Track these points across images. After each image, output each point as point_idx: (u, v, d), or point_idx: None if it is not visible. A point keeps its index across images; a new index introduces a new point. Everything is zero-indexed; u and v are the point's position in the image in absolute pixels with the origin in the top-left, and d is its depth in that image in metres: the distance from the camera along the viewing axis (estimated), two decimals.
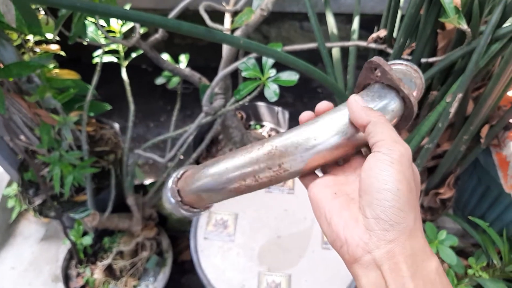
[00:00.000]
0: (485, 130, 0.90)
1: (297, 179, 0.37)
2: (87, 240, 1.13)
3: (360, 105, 0.31)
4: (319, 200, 0.32)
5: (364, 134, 0.31)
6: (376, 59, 0.35)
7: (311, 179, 0.34)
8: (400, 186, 0.26)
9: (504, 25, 0.75)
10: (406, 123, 0.37)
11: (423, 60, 0.83)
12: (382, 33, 0.85)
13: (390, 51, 0.85)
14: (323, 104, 0.36)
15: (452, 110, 0.77)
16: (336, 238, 0.28)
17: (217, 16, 0.90)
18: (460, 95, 0.76)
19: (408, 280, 0.25)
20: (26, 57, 0.98)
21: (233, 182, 0.34)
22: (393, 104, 0.35)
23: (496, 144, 0.95)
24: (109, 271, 1.13)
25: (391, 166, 0.27)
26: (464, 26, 0.71)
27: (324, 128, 0.33)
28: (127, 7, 1.01)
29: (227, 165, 0.35)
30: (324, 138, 0.32)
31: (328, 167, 0.36)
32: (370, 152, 0.30)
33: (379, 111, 0.32)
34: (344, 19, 1.67)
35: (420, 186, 0.31)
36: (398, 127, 0.37)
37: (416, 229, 0.27)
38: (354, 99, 0.32)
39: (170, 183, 0.40)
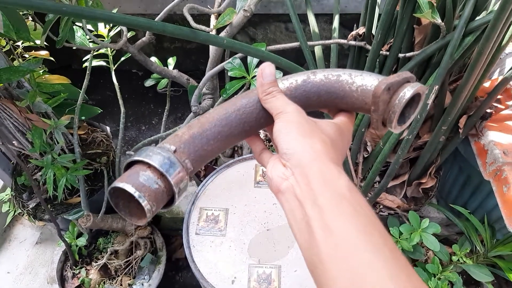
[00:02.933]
0: (463, 120, 0.94)
1: None
2: (82, 241, 1.14)
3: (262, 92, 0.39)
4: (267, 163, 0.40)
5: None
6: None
7: (268, 156, 0.41)
8: (287, 126, 0.35)
9: (477, 18, 0.78)
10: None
11: (401, 54, 0.87)
12: (361, 30, 0.88)
13: (369, 47, 0.88)
14: None
15: (430, 101, 0.80)
16: (268, 180, 0.37)
17: (204, 20, 0.93)
18: (436, 87, 0.80)
19: (320, 197, 0.31)
20: (15, 63, 1.00)
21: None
22: None
23: (474, 133, 0.98)
24: (104, 271, 1.15)
25: (280, 122, 0.36)
26: (438, 20, 0.75)
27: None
28: (115, 11, 1.03)
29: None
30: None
31: None
32: None
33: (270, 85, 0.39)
34: (328, 19, 1.71)
35: (326, 132, 0.38)
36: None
37: (320, 154, 0.34)
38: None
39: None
